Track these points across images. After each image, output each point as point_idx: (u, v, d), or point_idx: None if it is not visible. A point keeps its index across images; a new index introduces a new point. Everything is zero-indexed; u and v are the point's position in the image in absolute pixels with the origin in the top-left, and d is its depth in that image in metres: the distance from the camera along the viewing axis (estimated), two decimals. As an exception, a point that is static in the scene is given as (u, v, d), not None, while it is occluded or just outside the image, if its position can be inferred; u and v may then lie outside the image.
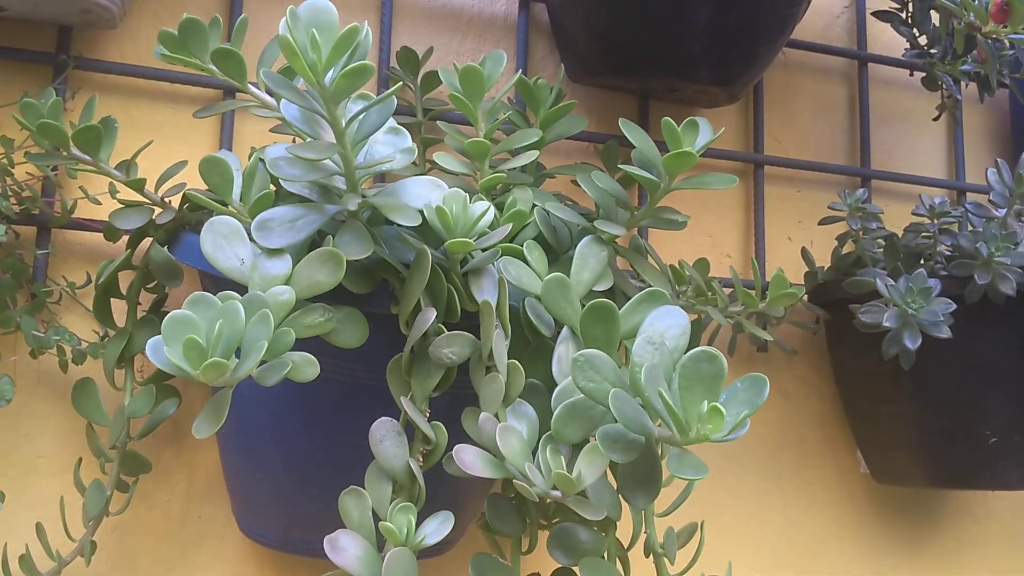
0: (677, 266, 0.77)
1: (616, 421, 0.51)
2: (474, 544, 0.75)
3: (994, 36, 0.59)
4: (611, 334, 0.55)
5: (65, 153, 0.63)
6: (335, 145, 0.49)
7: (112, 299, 0.69)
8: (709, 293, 0.75)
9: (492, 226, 0.57)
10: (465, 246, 0.53)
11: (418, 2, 0.86)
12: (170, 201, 0.67)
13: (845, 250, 0.87)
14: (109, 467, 0.67)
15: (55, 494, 0.70)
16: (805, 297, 0.90)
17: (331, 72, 0.45)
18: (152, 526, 0.74)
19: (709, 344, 0.90)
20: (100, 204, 0.71)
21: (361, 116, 0.49)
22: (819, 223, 0.88)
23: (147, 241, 0.68)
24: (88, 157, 0.63)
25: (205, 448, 0.75)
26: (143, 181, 0.64)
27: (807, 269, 0.89)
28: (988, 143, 1.09)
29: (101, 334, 0.72)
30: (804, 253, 0.89)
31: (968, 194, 1.03)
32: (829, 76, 1.03)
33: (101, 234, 0.70)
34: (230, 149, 0.78)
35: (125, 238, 0.69)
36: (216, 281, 0.59)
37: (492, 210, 0.54)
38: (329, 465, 0.63)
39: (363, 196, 0.53)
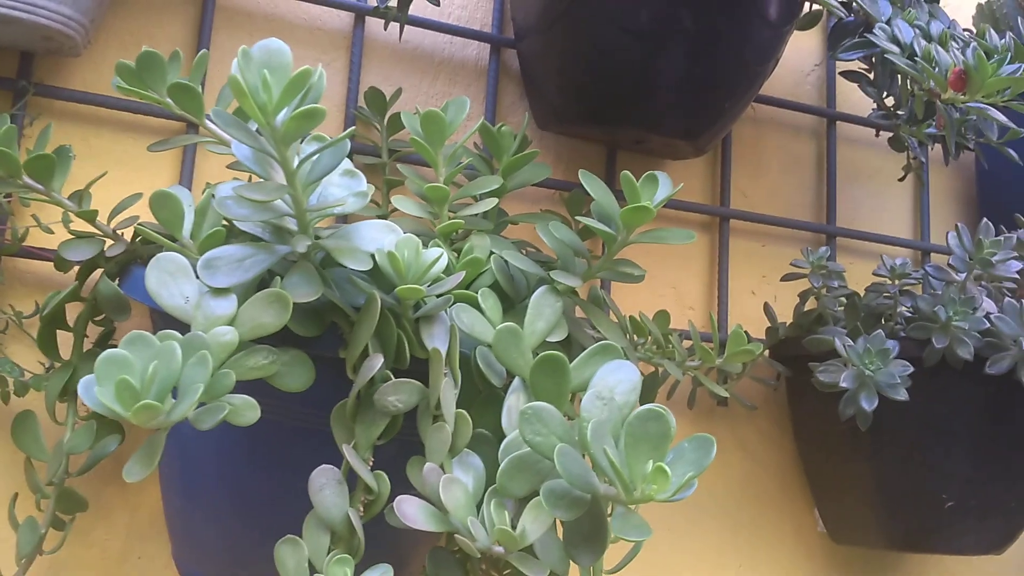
0: (637, 318, 0.77)
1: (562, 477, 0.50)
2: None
3: (953, 103, 0.60)
4: (561, 386, 0.54)
5: (18, 181, 0.62)
6: (284, 187, 0.48)
7: (60, 331, 0.68)
8: (667, 347, 0.75)
9: (447, 272, 0.56)
10: (416, 292, 0.52)
11: (389, 43, 0.86)
12: (123, 234, 0.66)
13: (807, 307, 0.87)
14: (45, 504, 0.65)
15: (-9, 530, 0.68)
16: (767, 353, 0.89)
17: (282, 113, 0.44)
18: (90, 565, 0.72)
19: (668, 396, 0.89)
20: (53, 233, 0.70)
21: (314, 158, 0.48)
22: (781, 279, 0.88)
23: (97, 273, 0.67)
24: (40, 186, 0.62)
25: (148, 487, 0.74)
26: (95, 213, 0.63)
27: (769, 325, 0.89)
28: (954, 204, 1.10)
29: (47, 366, 0.70)
30: (766, 308, 0.89)
31: (932, 255, 1.04)
32: (798, 133, 1.03)
33: (52, 264, 0.69)
34: (190, 183, 0.77)
35: (76, 269, 0.68)
36: (165, 318, 0.57)
37: (446, 256, 0.54)
38: (273, 508, 0.62)
39: (315, 238, 0.52)
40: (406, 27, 0.83)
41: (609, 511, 0.54)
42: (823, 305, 0.84)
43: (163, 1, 0.80)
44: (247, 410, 0.50)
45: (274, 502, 0.62)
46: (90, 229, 0.65)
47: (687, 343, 0.78)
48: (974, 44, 0.60)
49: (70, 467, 0.65)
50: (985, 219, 0.76)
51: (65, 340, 0.68)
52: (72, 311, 0.68)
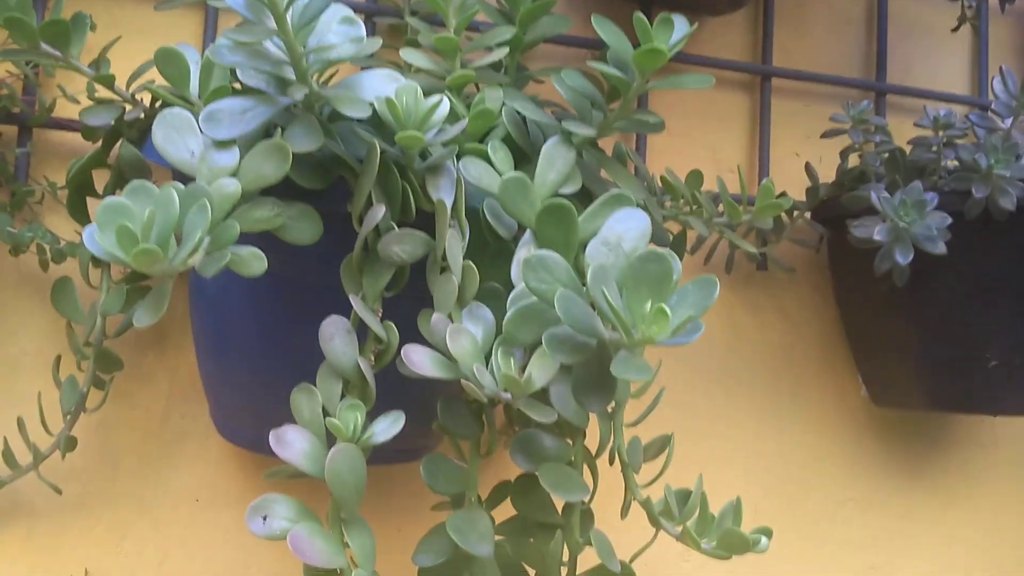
0: (667, 176, 0.75)
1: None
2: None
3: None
4: (569, 236, 0.54)
5: (36, 48, 0.62)
6: (273, 29, 0.47)
7: (90, 198, 0.69)
8: (695, 206, 0.73)
9: (452, 121, 0.55)
10: (415, 140, 0.51)
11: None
12: (142, 99, 0.66)
13: (850, 165, 0.84)
14: (85, 364, 0.68)
15: (38, 391, 0.71)
16: (807, 215, 0.87)
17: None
18: (135, 425, 0.75)
19: (705, 261, 0.88)
20: (79, 103, 0.71)
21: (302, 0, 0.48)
22: (821, 136, 0.85)
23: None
24: (58, 53, 0.63)
25: (186, 351, 0.76)
26: (112, 77, 0.64)
27: (810, 185, 0.86)
28: (1016, 58, 1.03)
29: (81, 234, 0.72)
30: (808, 168, 0.86)
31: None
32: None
33: (80, 135, 0.70)
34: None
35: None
36: (184, 178, 0.58)
37: (447, 103, 0.53)
38: (294, 365, 0.63)
39: (313, 87, 0.52)
40: None
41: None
42: (865, 162, 0.81)
43: None
44: (253, 260, 0.50)
45: (296, 359, 0.63)
46: (111, 96, 0.66)
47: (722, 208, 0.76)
48: None
49: (108, 330, 0.68)
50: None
51: (96, 207, 0.69)
52: (100, 179, 0.69)
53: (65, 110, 0.72)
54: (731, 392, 0.91)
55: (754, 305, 0.91)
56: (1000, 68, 0.71)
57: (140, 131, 0.66)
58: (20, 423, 0.68)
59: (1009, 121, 0.71)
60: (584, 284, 0.51)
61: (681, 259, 0.75)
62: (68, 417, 0.68)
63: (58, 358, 0.69)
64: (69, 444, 0.68)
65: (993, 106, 0.72)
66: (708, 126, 0.92)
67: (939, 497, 0.97)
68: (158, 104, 0.65)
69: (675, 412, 0.87)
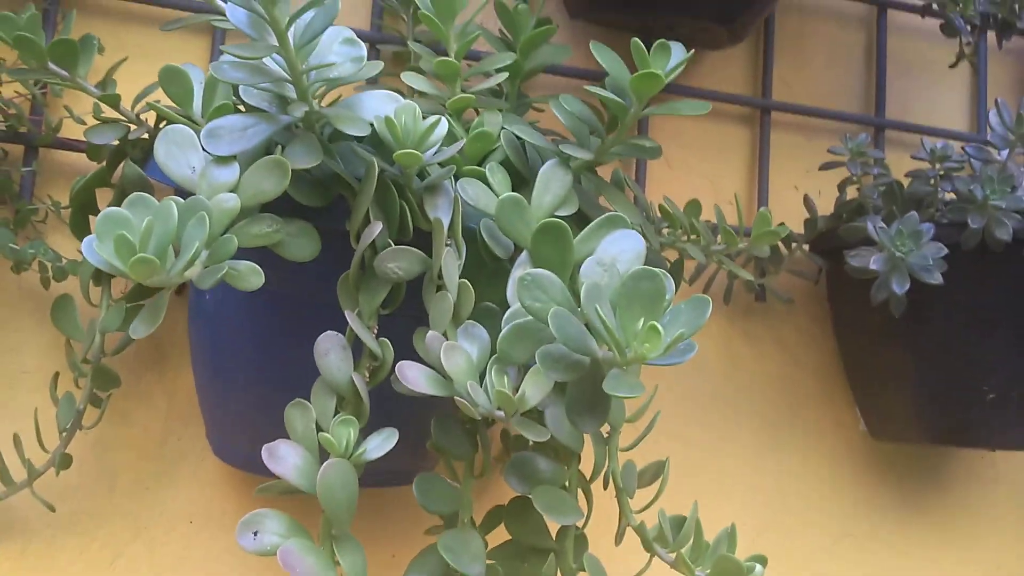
0: (664, 204, 0.76)
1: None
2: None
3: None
4: (564, 255, 0.54)
5: (44, 68, 0.64)
6: (275, 46, 0.48)
7: (92, 216, 0.70)
8: (692, 234, 0.74)
9: (450, 142, 0.56)
10: (413, 158, 0.52)
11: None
12: (146, 119, 0.67)
13: (848, 197, 0.85)
14: (83, 382, 0.68)
15: (35, 408, 0.71)
16: (806, 247, 0.88)
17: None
18: (131, 444, 0.75)
19: (704, 291, 0.88)
20: (85, 124, 0.72)
21: (304, 18, 0.48)
22: (820, 168, 0.85)
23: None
24: (65, 72, 0.64)
25: (184, 372, 0.76)
26: (118, 97, 0.65)
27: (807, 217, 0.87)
28: (1014, 95, 1.04)
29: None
30: (806, 200, 0.87)
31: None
32: (846, 21, 0.99)
33: (85, 155, 0.71)
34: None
35: (108, 159, 0.70)
36: (186, 195, 0.59)
37: (444, 123, 0.53)
38: (291, 382, 0.63)
39: (314, 106, 0.53)
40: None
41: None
42: (863, 194, 0.82)
43: None
44: (251, 275, 0.51)
45: (292, 376, 0.63)
46: (116, 116, 0.67)
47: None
48: None
49: (106, 348, 0.68)
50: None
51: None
52: (104, 198, 0.70)
53: (71, 131, 0.73)
54: (729, 423, 0.91)
55: (752, 336, 0.92)
56: (996, 101, 0.72)
57: (143, 151, 0.67)
58: (16, 439, 0.68)
59: (1005, 153, 0.72)
60: (579, 304, 0.51)
61: (678, 287, 0.76)
62: (64, 434, 0.68)
63: (56, 375, 0.69)
64: (64, 461, 0.68)
65: (989, 138, 0.72)
66: (708, 158, 0.93)
67: (939, 533, 0.96)
68: (162, 124, 0.66)
69: (672, 443, 0.87)
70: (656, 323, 0.47)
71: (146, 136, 0.66)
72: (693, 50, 0.58)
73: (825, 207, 0.88)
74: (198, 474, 0.76)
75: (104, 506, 0.74)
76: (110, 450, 0.75)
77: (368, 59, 0.54)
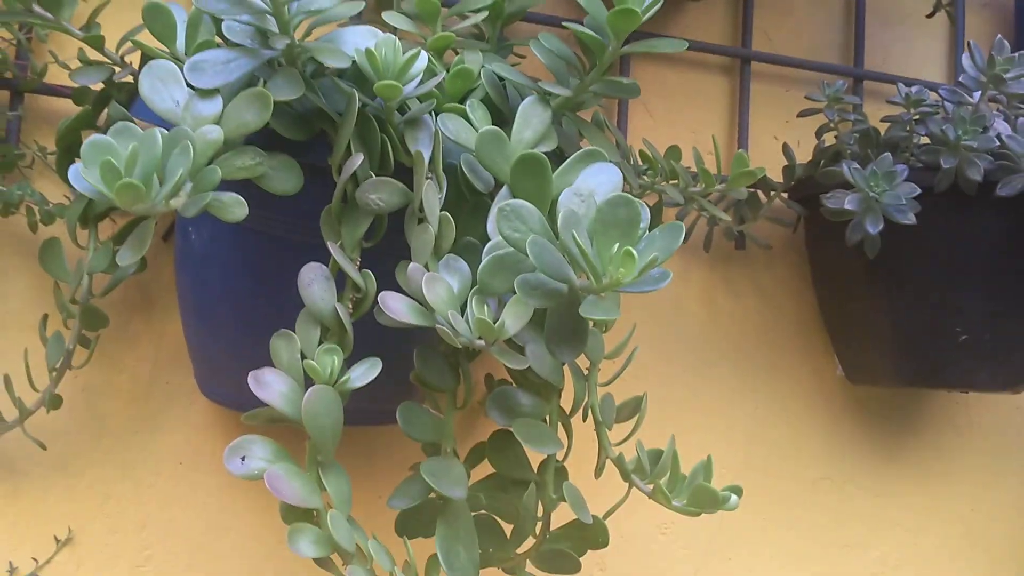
0: (644, 148, 0.77)
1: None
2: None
3: None
4: (542, 188, 0.55)
5: (29, 11, 0.64)
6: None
7: (77, 159, 0.71)
8: (671, 179, 0.75)
9: (430, 76, 0.57)
10: (394, 89, 0.53)
11: None
12: (130, 62, 0.68)
13: (826, 144, 0.86)
14: (72, 323, 0.69)
15: (25, 348, 0.72)
16: (784, 194, 0.89)
17: None
18: (121, 390, 0.76)
19: (684, 240, 0.89)
20: (70, 68, 0.72)
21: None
22: (798, 115, 0.86)
23: (112, 104, 0.69)
24: (50, 15, 0.64)
25: (172, 317, 0.77)
26: (101, 38, 0.65)
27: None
28: (991, 47, 1.05)
29: (73, 197, 0.73)
30: (785, 148, 0.88)
31: (967, 100, 1.01)
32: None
33: (72, 101, 0.71)
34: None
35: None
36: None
37: (424, 56, 0.54)
38: (278, 323, 0.64)
39: (295, 40, 0.53)
40: None
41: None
42: (840, 141, 0.83)
43: None
44: (234, 206, 0.52)
45: (279, 316, 0.64)
46: (101, 59, 0.68)
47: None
48: None
49: (94, 289, 0.69)
50: (1000, 36, 0.73)
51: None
52: (89, 142, 0.70)
53: (57, 76, 0.74)
54: (709, 366, 0.92)
55: (732, 282, 0.93)
56: (968, 43, 0.73)
57: (128, 93, 0.67)
58: (7, 380, 0.69)
59: (977, 95, 0.73)
60: (557, 235, 0.52)
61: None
62: (54, 374, 0.69)
63: (45, 316, 0.70)
64: (54, 401, 0.69)
65: (961, 79, 0.73)
66: (689, 107, 0.94)
67: (914, 475, 0.98)
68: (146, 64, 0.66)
69: (652, 383, 0.89)
70: (631, 248, 0.48)
71: (131, 78, 0.66)
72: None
73: (804, 156, 0.89)
74: (186, 416, 0.78)
75: (93, 448, 0.75)
76: (99, 394, 0.76)
77: None
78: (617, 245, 0.49)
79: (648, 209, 0.51)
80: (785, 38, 0.97)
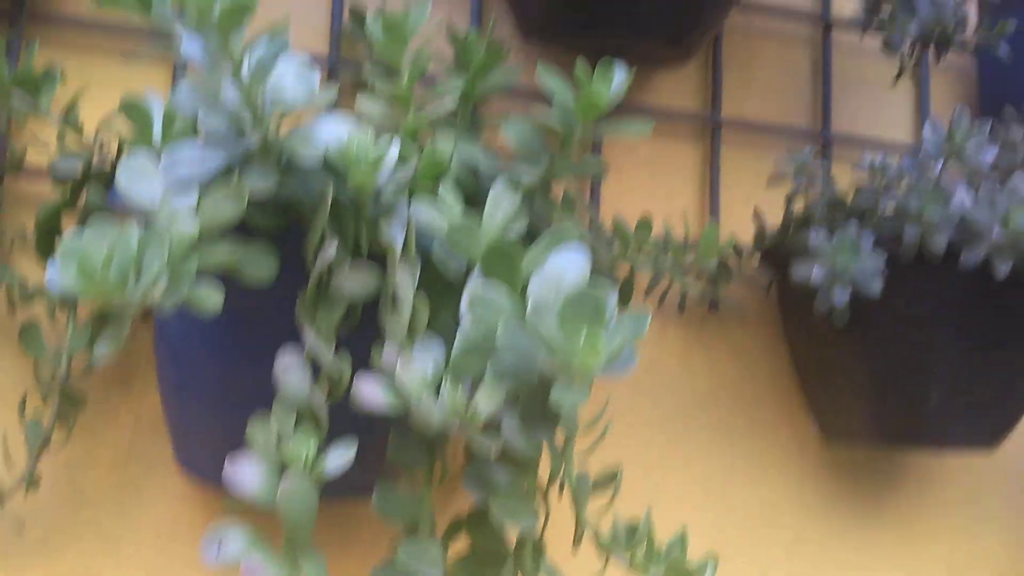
0: (618, 220, 0.79)
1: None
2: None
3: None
4: (512, 273, 0.56)
5: (7, 99, 0.66)
6: (228, 78, 0.50)
7: (58, 239, 0.72)
8: (643, 249, 0.76)
9: (404, 164, 0.58)
10: (367, 182, 0.54)
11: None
12: (108, 148, 0.69)
13: (797, 209, 0.88)
14: (51, 403, 0.70)
15: (3, 430, 0.72)
16: (756, 257, 0.91)
17: (216, 6, 0.47)
18: (100, 461, 0.77)
19: (660, 303, 0.91)
20: (50, 150, 0.73)
21: (257, 50, 0.51)
22: (767, 183, 0.88)
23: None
24: (29, 103, 0.66)
25: (151, 391, 0.78)
26: (80, 126, 0.67)
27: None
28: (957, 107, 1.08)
29: (51, 278, 0.74)
30: (755, 216, 0.90)
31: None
32: (793, 40, 1.03)
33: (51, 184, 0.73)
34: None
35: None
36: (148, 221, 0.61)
37: (397, 145, 0.56)
38: (256, 401, 0.65)
39: (269, 133, 0.55)
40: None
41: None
42: (809, 207, 0.85)
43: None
44: (209, 297, 0.53)
45: (257, 395, 0.65)
46: (80, 145, 0.69)
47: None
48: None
49: (73, 369, 0.70)
50: (960, 105, 0.75)
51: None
52: (70, 222, 0.71)
53: (36, 160, 0.75)
54: (685, 428, 0.93)
55: (707, 344, 0.94)
56: (928, 117, 0.75)
57: (107, 177, 0.69)
58: (-15, 461, 0.70)
59: (939, 166, 0.75)
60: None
61: (631, 301, 0.78)
62: (33, 455, 0.69)
63: (24, 397, 0.71)
64: (33, 481, 0.70)
65: (924, 147, 0.75)
66: (661, 174, 0.95)
67: (893, 533, 0.99)
68: (124, 151, 0.68)
69: (630, 446, 0.90)
70: (597, 335, 0.50)
71: (109, 163, 0.67)
72: (635, 68, 0.61)
73: (778, 218, 0.91)
74: (165, 488, 0.78)
75: (73, 524, 0.75)
76: (78, 467, 0.76)
77: (329, 83, 0.56)
78: (585, 332, 0.50)
79: (616, 294, 0.52)
80: (755, 102, 1.00)
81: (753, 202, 0.96)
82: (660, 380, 0.93)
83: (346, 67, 0.83)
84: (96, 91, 0.75)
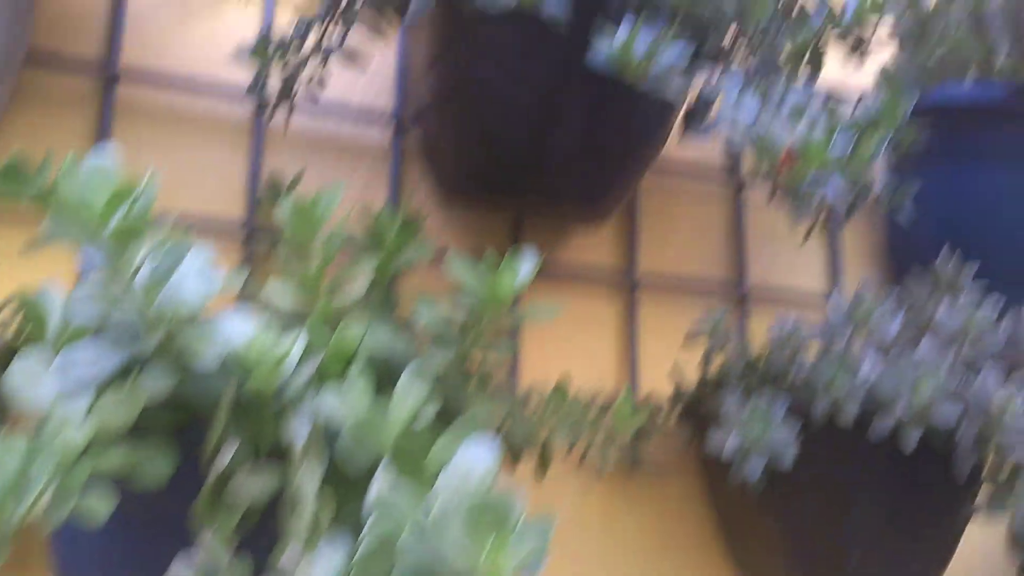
0: (534, 388, 0.78)
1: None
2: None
3: (792, 176, 0.62)
4: (419, 470, 0.56)
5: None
6: (122, 290, 0.50)
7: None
8: (561, 413, 0.76)
9: (309, 358, 0.58)
10: (269, 380, 0.53)
11: (295, 127, 0.89)
12: (5, 331, 0.67)
13: (714, 367, 0.89)
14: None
15: None
16: (675, 415, 0.91)
17: (110, 224, 0.46)
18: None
19: (581, 460, 0.90)
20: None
21: (153, 261, 0.50)
22: (683, 343, 0.89)
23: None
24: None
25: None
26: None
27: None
28: (868, 255, 1.11)
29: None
30: (672, 373, 0.91)
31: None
32: (707, 197, 1.06)
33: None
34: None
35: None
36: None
37: (301, 343, 0.55)
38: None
39: (165, 334, 0.54)
40: (313, 111, 0.87)
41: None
42: (723, 368, 0.85)
43: (66, 97, 0.82)
44: (99, 506, 0.51)
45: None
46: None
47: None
48: (822, 118, 0.62)
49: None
50: (864, 278, 0.77)
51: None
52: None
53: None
54: (611, 589, 0.92)
55: (630, 499, 0.94)
56: (831, 292, 0.77)
57: (3, 362, 0.66)
58: None
59: (846, 338, 0.76)
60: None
61: (549, 465, 0.78)
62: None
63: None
64: None
65: (832, 318, 0.77)
66: (582, 332, 0.96)
67: None
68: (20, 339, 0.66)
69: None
70: (503, 544, 0.49)
71: (5, 347, 0.66)
72: (552, 228, 0.61)
73: (697, 373, 0.92)
74: None
75: None
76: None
77: (243, 251, 0.55)
78: (491, 541, 0.49)
79: (520, 502, 0.51)
80: (673, 256, 1.02)
81: (673, 354, 0.97)
82: (586, 534, 0.91)
83: (262, 235, 0.83)
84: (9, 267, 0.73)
